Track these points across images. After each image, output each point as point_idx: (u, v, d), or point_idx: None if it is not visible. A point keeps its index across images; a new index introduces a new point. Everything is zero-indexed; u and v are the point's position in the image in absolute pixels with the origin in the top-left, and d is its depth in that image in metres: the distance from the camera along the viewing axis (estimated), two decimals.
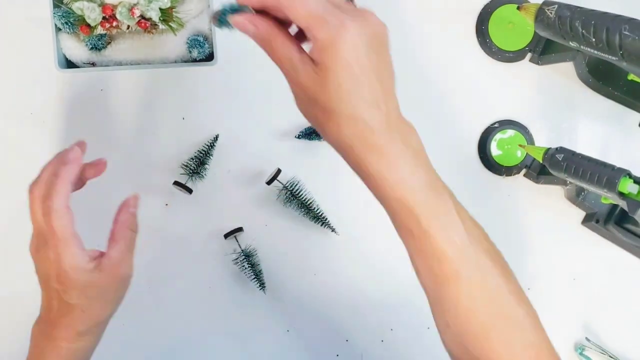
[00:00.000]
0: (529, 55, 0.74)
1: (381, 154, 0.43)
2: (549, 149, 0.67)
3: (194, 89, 0.72)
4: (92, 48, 0.66)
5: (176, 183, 0.70)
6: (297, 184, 0.71)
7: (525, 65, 0.74)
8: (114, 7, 0.60)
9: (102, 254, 0.53)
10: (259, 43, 0.44)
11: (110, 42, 0.66)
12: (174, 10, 0.61)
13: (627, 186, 0.61)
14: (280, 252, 0.73)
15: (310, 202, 0.71)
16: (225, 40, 0.66)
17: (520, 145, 0.73)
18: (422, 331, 0.75)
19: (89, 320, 0.53)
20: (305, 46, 0.44)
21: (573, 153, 0.65)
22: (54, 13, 0.62)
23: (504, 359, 0.47)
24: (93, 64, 0.67)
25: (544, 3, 0.60)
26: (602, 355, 0.75)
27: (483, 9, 0.73)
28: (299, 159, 0.73)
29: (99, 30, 0.62)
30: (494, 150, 0.74)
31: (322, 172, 0.73)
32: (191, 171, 0.71)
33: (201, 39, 0.66)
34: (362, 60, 0.41)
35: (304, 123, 0.71)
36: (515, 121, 0.75)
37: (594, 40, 0.55)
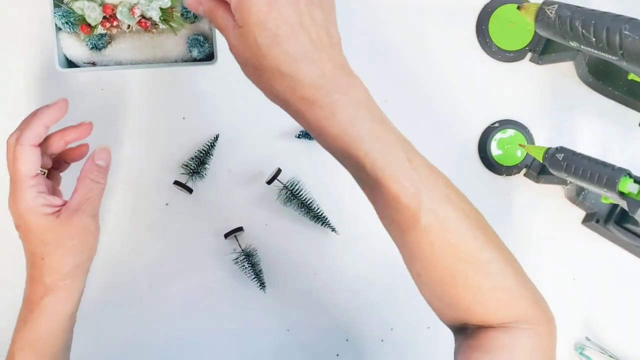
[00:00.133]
0: (529, 55, 0.74)
1: (317, 105, 0.43)
2: (549, 148, 0.67)
3: (194, 89, 0.72)
4: (92, 48, 0.66)
5: (176, 183, 0.70)
6: (297, 184, 0.71)
7: (525, 65, 0.74)
8: (115, 6, 0.60)
9: (65, 203, 0.53)
10: (207, 17, 0.46)
11: (110, 42, 0.66)
12: (174, 9, 0.61)
13: (627, 186, 0.61)
14: (280, 251, 0.73)
15: (310, 202, 0.71)
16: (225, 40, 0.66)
17: (520, 145, 0.73)
18: (422, 331, 0.75)
19: (51, 270, 0.53)
20: None
21: (573, 153, 0.65)
22: (54, 13, 0.62)
23: (474, 304, 0.47)
24: (93, 64, 0.67)
25: (544, 3, 0.60)
26: (602, 355, 0.75)
27: (483, 8, 0.74)
28: (299, 158, 0.73)
29: (100, 29, 0.62)
30: (494, 149, 0.74)
31: (322, 172, 0.73)
32: (191, 171, 0.71)
33: (201, 38, 0.66)
34: (276, 15, 0.42)
35: None
36: (515, 121, 0.75)
37: (594, 40, 0.55)
